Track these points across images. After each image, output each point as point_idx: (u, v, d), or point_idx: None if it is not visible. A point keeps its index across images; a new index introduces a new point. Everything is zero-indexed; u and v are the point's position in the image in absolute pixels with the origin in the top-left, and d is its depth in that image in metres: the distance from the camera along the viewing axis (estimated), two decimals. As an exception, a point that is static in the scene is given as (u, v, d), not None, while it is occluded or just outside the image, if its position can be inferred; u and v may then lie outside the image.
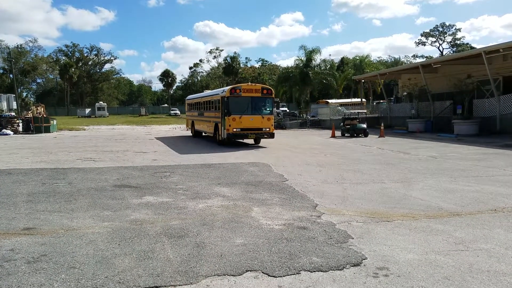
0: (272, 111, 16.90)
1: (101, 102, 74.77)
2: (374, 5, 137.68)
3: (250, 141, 17.82)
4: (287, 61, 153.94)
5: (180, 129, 33.30)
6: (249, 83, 17.76)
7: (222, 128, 16.51)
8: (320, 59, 46.79)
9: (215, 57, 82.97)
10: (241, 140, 17.75)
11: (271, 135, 16.58)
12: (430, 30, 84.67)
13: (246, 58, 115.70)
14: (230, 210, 6.09)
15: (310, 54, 44.40)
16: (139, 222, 5.49)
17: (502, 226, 5.20)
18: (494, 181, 8.33)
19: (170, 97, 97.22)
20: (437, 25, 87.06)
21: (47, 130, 27.13)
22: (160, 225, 5.33)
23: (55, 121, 29.40)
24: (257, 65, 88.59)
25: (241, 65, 79.14)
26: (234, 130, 15.96)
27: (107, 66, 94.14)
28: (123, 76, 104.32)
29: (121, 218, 5.67)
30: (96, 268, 3.91)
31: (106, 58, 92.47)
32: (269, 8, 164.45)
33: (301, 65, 45.23)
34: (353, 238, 4.75)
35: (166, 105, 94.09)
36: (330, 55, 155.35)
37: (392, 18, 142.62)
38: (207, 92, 23.88)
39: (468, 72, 24.63)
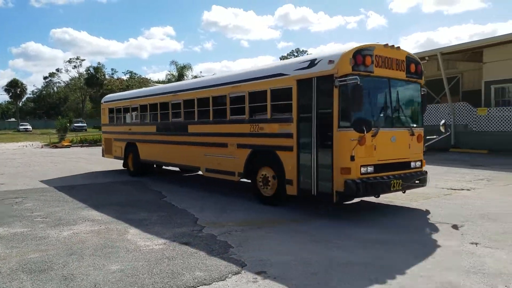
0: (422, 119, 7.52)
1: None
2: (241, 27, 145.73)
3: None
4: (158, 74, 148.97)
5: (33, 147, 28.99)
6: (387, 44, 6.59)
7: (316, 165, 6.36)
8: (192, 75, 47.50)
9: (75, 66, 75.09)
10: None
11: (423, 179, 7.00)
12: (287, 54, 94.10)
13: (112, 69, 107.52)
14: (102, 235, 5.61)
15: (182, 70, 44.70)
16: (-15, 260, 4.59)
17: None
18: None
19: (19, 110, 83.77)
20: (293, 50, 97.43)
21: None
22: (15, 260, 4.56)
23: None
24: (125, 77, 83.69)
25: (107, 76, 73.59)
26: (364, 171, 6.07)
27: None
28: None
29: (-41, 258, 4.65)
30: None
31: None
32: (137, 20, 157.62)
33: (173, 80, 45.06)
34: (233, 247, 4.94)
35: (13, 119, 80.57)
36: (201, 72, 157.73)
37: (258, 40, 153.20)
38: (211, 77, 10.68)
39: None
